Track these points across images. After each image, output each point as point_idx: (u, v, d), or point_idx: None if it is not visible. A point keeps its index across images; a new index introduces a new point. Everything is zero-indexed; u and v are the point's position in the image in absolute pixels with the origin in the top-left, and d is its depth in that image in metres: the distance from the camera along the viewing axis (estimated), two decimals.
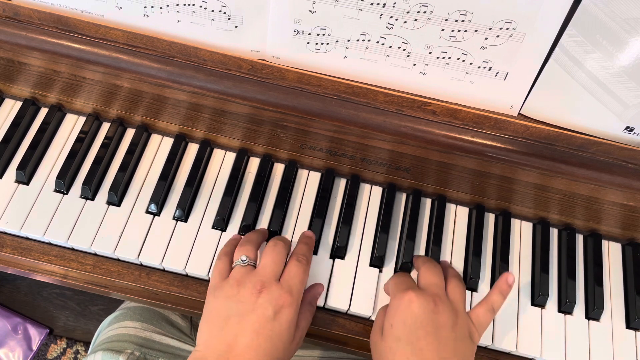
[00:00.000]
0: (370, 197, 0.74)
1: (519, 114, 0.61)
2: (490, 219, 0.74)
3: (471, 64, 0.58)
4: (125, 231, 0.68)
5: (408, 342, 0.55)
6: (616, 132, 0.60)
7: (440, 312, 0.56)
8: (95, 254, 0.68)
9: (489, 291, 0.63)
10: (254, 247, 0.61)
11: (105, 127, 0.75)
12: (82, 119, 0.75)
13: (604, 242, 0.73)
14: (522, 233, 0.74)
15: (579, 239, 0.74)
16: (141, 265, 0.68)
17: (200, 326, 0.57)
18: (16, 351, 1.41)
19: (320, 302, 0.66)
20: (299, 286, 0.58)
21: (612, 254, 0.73)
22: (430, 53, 0.58)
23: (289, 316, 0.56)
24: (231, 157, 0.75)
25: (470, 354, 0.58)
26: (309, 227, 0.70)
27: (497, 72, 0.59)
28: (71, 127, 0.75)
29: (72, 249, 0.68)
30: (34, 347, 1.42)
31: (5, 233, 0.68)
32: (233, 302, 0.56)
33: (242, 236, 0.67)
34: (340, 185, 0.75)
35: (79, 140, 0.73)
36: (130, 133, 0.75)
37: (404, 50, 0.58)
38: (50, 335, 1.45)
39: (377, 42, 0.58)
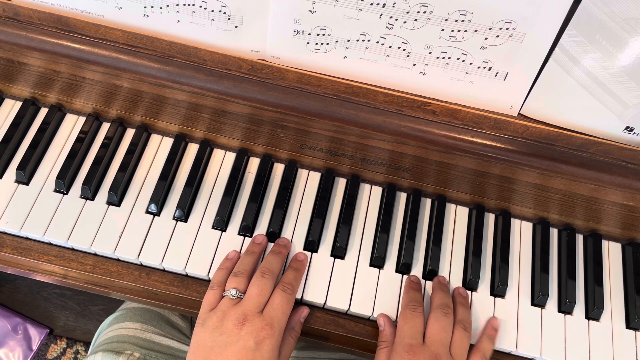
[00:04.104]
0: (370, 197, 0.74)
1: (519, 114, 0.61)
2: (490, 219, 0.74)
3: (471, 64, 0.58)
4: (125, 231, 0.68)
5: None
6: (616, 132, 0.60)
7: None
8: (95, 254, 0.68)
9: (479, 339, 0.64)
10: (246, 278, 0.62)
11: (105, 127, 0.75)
12: (82, 119, 0.75)
13: (604, 242, 0.73)
14: (522, 233, 0.73)
15: (579, 239, 0.74)
16: (141, 265, 0.68)
17: (187, 356, 0.59)
18: (16, 351, 1.41)
19: (320, 302, 0.66)
20: (281, 317, 0.60)
21: (612, 254, 0.73)
22: (430, 53, 0.58)
23: (270, 346, 0.58)
24: (231, 157, 0.74)
25: None
26: (309, 227, 0.70)
27: (497, 72, 0.59)
28: (71, 127, 0.75)
29: (72, 249, 0.68)
30: (34, 347, 1.42)
31: (5, 233, 0.68)
32: (217, 333, 0.58)
33: (239, 254, 0.67)
34: (340, 185, 0.74)
35: (79, 140, 0.73)
36: (130, 133, 0.75)
37: (404, 50, 0.58)
38: (50, 335, 1.45)
39: (377, 42, 0.58)
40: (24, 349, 1.42)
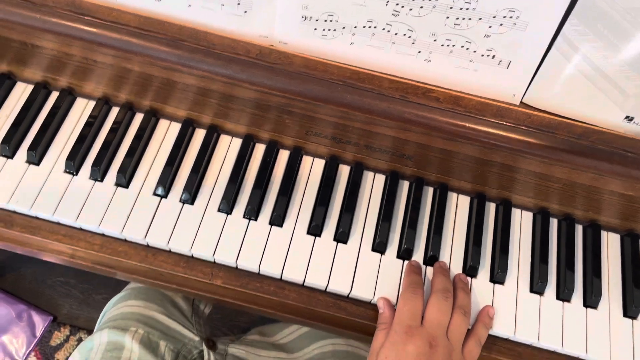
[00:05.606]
0: (373, 185, 0.75)
1: (521, 102, 0.63)
2: (491, 208, 0.75)
3: (475, 52, 0.59)
4: (132, 212, 0.69)
5: None
6: (616, 121, 0.61)
7: (434, 355, 0.60)
8: (103, 235, 0.70)
9: (474, 324, 0.66)
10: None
11: (115, 111, 0.77)
12: (92, 103, 0.76)
13: (603, 233, 0.74)
14: (522, 222, 0.74)
15: (579, 230, 0.75)
16: (148, 246, 0.69)
17: None
18: (20, 338, 1.43)
19: (322, 285, 0.68)
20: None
21: (611, 245, 0.74)
22: (435, 41, 0.59)
23: None
24: (237, 143, 0.76)
25: None
26: (313, 212, 0.72)
27: (500, 61, 0.60)
28: (81, 111, 0.76)
29: (81, 229, 0.70)
30: (38, 334, 1.44)
31: (15, 212, 0.70)
32: None
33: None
34: (344, 172, 0.76)
35: (88, 124, 0.74)
36: (138, 118, 0.76)
37: (409, 37, 0.60)
38: (54, 322, 1.47)
39: (383, 29, 0.59)
40: (27, 335, 1.43)
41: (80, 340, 1.46)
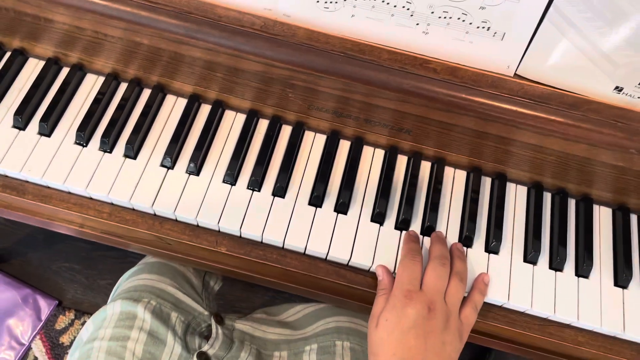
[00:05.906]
0: (373, 159, 0.77)
1: (515, 73, 0.65)
2: (486, 182, 0.77)
3: (471, 24, 0.62)
4: (140, 182, 0.72)
5: (399, 339, 0.62)
6: (606, 92, 0.63)
7: (433, 318, 0.62)
8: (112, 204, 0.72)
9: (470, 291, 0.69)
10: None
11: (123, 87, 0.79)
12: (102, 79, 0.79)
13: (595, 207, 0.77)
14: (517, 196, 0.77)
15: (572, 204, 0.77)
16: (155, 215, 0.72)
17: None
18: (25, 321, 1.45)
19: (322, 253, 0.70)
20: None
21: (603, 218, 0.76)
22: (432, 13, 0.62)
23: None
24: (241, 118, 0.78)
25: (455, 354, 0.64)
26: (314, 184, 0.74)
27: (495, 32, 0.62)
28: (91, 86, 0.79)
29: (90, 199, 0.72)
30: (43, 318, 1.46)
31: (27, 181, 0.72)
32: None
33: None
34: (344, 147, 0.78)
35: (97, 100, 0.77)
36: (146, 93, 0.79)
37: (408, 9, 0.62)
38: (59, 306, 1.49)
39: (383, 1, 0.62)
40: (33, 319, 1.46)
41: (84, 324, 1.48)
